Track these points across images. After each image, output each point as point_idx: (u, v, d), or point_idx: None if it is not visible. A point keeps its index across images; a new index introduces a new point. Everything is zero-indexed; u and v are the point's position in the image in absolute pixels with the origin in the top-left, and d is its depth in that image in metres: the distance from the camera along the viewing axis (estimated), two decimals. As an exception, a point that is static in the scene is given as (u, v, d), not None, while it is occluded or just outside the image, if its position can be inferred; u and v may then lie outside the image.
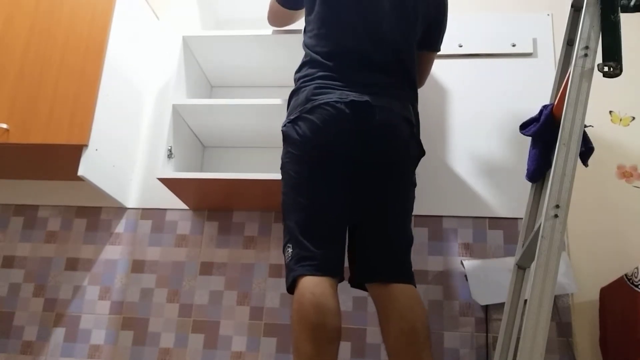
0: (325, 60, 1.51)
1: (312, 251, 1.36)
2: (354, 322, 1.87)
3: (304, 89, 1.51)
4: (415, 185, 1.54)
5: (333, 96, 1.44)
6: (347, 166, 1.45)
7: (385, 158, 1.46)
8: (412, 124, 1.51)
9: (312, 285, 1.32)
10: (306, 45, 1.59)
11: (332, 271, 1.37)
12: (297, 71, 1.59)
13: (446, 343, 1.79)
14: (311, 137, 1.43)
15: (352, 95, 1.43)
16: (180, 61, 1.97)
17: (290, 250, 1.39)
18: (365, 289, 1.46)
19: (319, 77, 1.49)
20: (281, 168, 1.50)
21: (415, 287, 1.42)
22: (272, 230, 2.03)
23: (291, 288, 1.36)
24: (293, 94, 1.55)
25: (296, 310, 1.30)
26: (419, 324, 1.33)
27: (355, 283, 1.47)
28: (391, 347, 1.33)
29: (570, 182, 1.13)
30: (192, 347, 1.92)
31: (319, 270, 1.34)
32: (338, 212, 1.43)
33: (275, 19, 1.89)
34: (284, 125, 1.51)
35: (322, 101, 1.44)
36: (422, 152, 1.57)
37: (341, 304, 1.87)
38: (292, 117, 1.48)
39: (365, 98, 1.43)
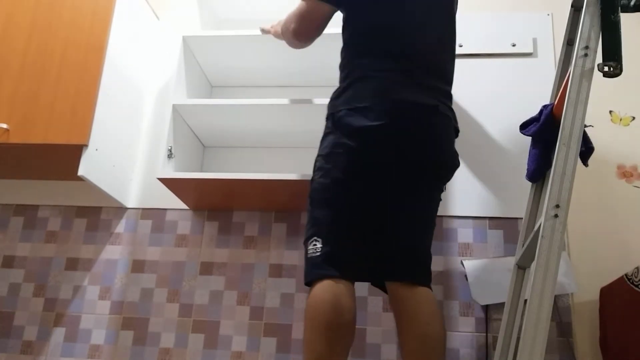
0: (395, 55, 1.46)
1: (343, 253, 1.34)
2: (354, 322, 1.87)
3: (372, 78, 1.44)
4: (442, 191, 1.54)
5: (406, 95, 1.41)
6: (400, 169, 1.42)
7: (437, 165, 1.46)
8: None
9: (334, 284, 1.30)
10: (368, 35, 1.51)
11: (357, 274, 1.36)
12: (355, 56, 1.50)
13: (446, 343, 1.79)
14: (377, 132, 1.38)
15: (423, 99, 1.42)
16: (180, 61, 1.97)
17: (318, 245, 1.34)
18: (384, 289, 1.44)
19: (389, 71, 1.44)
20: (324, 155, 1.43)
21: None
22: (272, 230, 2.03)
23: (311, 282, 1.34)
24: (356, 80, 1.45)
25: (313, 306, 1.29)
26: (442, 331, 1.35)
27: (376, 282, 1.47)
28: (412, 350, 1.32)
29: (570, 182, 1.13)
30: (192, 347, 1.92)
31: (346, 273, 1.32)
32: (378, 214, 1.41)
33: (307, 30, 1.61)
34: (341, 111, 1.43)
35: (395, 98, 1.40)
36: (458, 164, 1.55)
37: (341, 304, 1.88)
38: (358, 105, 1.41)
39: (434, 102, 1.43)
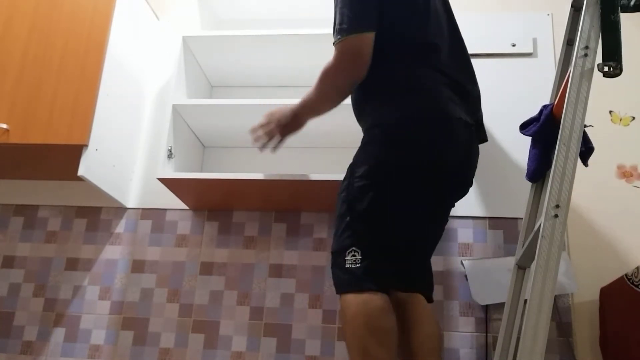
0: (445, 68, 1.48)
1: (383, 268, 1.37)
2: (354, 322, 1.87)
3: (426, 90, 1.43)
4: None
5: (461, 113, 1.44)
6: (445, 187, 1.47)
7: (468, 184, 1.54)
8: None
9: (378, 296, 1.35)
10: (415, 45, 1.48)
11: (391, 287, 1.40)
12: (397, 60, 1.45)
13: (446, 343, 1.79)
14: (440, 150, 1.40)
15: (471, 117, 1.48)
16: (180, 61, 1.97)
17: (358, 257, 1.36)
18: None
19: (443, 85, 1.45)
20: (372, 166, 1.40)
21: None
22: (272, 230, 2.03)
23: (348, 291, 1.36)
24: (409, 92, 1.42)
25: (367, 315, 1.32)
26: (439, 331, 1.49)
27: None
28: (419, 348, 1.41)
29: (570, 182, 1.13)
30: (192, 347, 1.92)
31: (383, 287, 1.36)
32: (419, 230, 1.46)
33: (363, 65, 1.44)
34: (394, 122, 1.40)
35: (450, 115, 1.42)
36: None
37: (339, 304, 1.88)
38: (413, 118, 1.40)
39: (478, 120, 1.53)
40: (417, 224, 1.44)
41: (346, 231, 1.39)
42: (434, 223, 1.53)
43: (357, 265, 1.35)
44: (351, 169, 1.46)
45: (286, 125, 1.55)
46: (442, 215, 1.55)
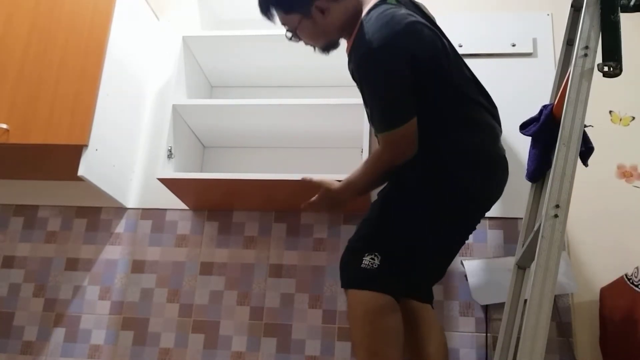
0: (482, 99, 1.57)
1: (402, 280, 1.42)
2: (354, 322, 1.87)
3: (476, 127, 1.50)
4: None
5: (501, 149, 1.56)
6: (481, 214, 1.59)
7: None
8: None
9: (389, 297, 1.40)
10: (464, 94, 1.52)
11: (402, 295, 1.45)
12: (451, 106, 1.49)
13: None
14: (490, 188, 1.51)
15: (504, 150, 1.58)
16: (180, 61, 1.97)
17: (376, 261, 1.40)
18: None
19: (488, 121, 1.55)
20: (427, 190, 1.45)
21: None
22: (272, 230, 2.03)
23: (359, 288, 1.40)
24: (462, 126, 1.48)
25: (378, 313, 1.36)
26: (445, 338, 1.56)
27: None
28: (432, 354, 1.48)
29: (570, 182, 1.13)
30: (192, 347, 1.92)
31: (399, 295, 1.42)
32: (452, 254, 1.57)
33: (411, 147, 1.46)
34: (450, 153, 1.45)
35: (496, 151, 1.54)
36: None
37: (340, 304, 1.89)
38: (469, 151, 1.46)
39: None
40: (445, 249, 1.53)
41: (374, 236, 1.44)
42: (458, 245, 1.59)
43: (374, 268, 1.39)
44: (400, 179, 1.48)
45: (336, 206, 1.64)
46: (466, 237, 1.60)
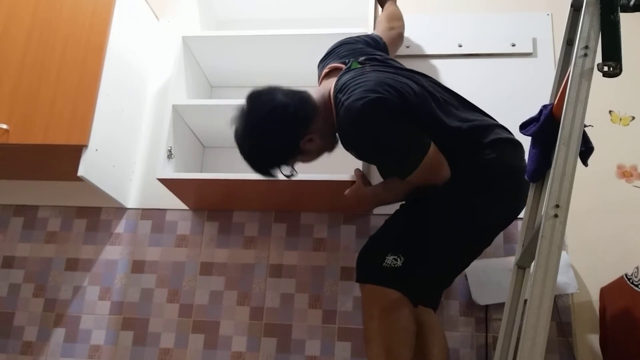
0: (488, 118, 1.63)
1: (420, 284, 1.45)
2: (354, 322, 1.87)
3: (510, 145, 1.55)
4: None
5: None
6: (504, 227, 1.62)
7: None
8: None
9: (405, 298, 1.42)
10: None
11: (419, 300, 1.49)
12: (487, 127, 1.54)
13: (446, 343, 1.79)
14: (520, 201, 1.49)
15: None
16: (180, 61, 1.97)
17: (399, 264, 1.42)
18: None
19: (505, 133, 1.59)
20: (466, 203, 1.46)
21: None
22: (272, 230, 2.03)
23: (374, 283, 1.43)
24: (503, 144, 1.51)
25: (396, 312, 1.39)
26: (446, 341, 1.60)
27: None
28: (436, 355, 1.51)
29: (570, 182, 1.13)
30: (192, 347, 1.92)
31: (415, 297, 1.45)
32: (463, 263, 1.60)
33: (444, 171, 1.48)
34: (502, 174, 1.48)
35: (523, 164, 1.54)
36: None
37: (340, 304, 1.89)
38: (514, 170, 1.48)
39: None
40: (467, 260, 1.57)
41: (403, 239, 1.46)
42: (475, 257, 1.60)
43: (395, 268, 1.42)
44: (441, 194, 1.48)
45: (364, 206, 1.70)
46: (484, 249, 1.62)
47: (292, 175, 1.55)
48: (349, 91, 1.40)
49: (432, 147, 1.42)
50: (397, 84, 1.42)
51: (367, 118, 1.37)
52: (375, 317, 1.39)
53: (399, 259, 1.42)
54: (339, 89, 1.45)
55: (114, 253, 2.07)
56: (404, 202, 1.59)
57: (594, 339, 1.72)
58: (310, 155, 1.56)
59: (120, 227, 2.10)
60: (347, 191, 1.61)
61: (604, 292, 1.69)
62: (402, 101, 1.40)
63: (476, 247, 1.56)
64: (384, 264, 1.42)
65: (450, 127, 1.47)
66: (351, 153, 1.54)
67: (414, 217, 1.50)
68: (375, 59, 1.57)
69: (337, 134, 1.55)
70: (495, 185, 1.48)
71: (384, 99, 1.37)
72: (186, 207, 2.09)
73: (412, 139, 1.42)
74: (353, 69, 1.49)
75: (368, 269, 1.47)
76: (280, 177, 1.54)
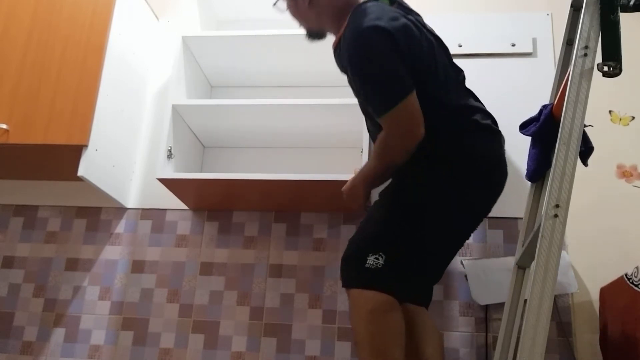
0: (475, 102, 1.62)
1: (406, 280, 1.43)
2: (354, 322, 1.87)
3: (482, 132, 1.53)
4: None
5: (503, 150, 1.58)
6: (483, 217, 1.61)
7: None
8: None
9: (391, 298, 1.40)
10: (453, 94, 1.55)
11: (404, 297, 1.45)
12: (457, 109, 1.52)
13: (446, 343, 1.79)
14: (497, 185, 1.52)
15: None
16: (179, 61, 1.97)
17: (381, 262, 1.40)
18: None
19: (491, 124, 1.58)
20: (434, 190, 1.45)
21: None
22: (272, 230, 2.03)
23: (359, 286, 1.40)
24: (471, 131, 1.50)
25: (383, 313, 1.37)
26: (442, 339, 1.59)
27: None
28: (430, 355, 1.49)
29: (570, 181, 1.13)
30: (192, 347, 1.92)
31: (402, 296, 1.42)
32: (452, 255, 1.56)
33: (414, 128, 1.42)
34: (462, 156, 1.46)
35: (501, 152, 1.56)
36: None
37: (340, 304, 1.89)
38: (478, 156, 1.48)
39: None
40: (448, 249, 1.55)
41: (379, 237, 1.44)
42: (458, 248, 1.59)
43: (378, 268, 1.39)
44: (404, 182, 1.48)
45: (358, 201, 1.58)
46: (466, 239, 1.61)
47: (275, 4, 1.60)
48: (364, 13, 1.41)
49: (414, 97, 1.39)
50: (410, 31, 1.43)
51: (367, 42, 1.38)
52: (363, 321, 1.37)
53: (380, 258, 1.40)
54: (359, 6, 1.47)
55: (114, 253, 2.07)
56: (375, 200, 1.56)
57: (594, 339, 1.72)
58: (293, 9, 1.60)
59: (120, 227, 2.10)
60: (343, 187, 1.60)
61: (604, 292, 1.69)
62: (407, 46, 1.40)
63: (449, 231, 1.50)
64: (366, 265, 1.40)
65: (444, 103, 1.48)
66: (346, 74, 1.53)
67: (385, 210, 1.48)
68: (406, 7, 1.57)
69: (324, 34, 1.61)
70: (470, 169, 1.47)
71: (390, 32, 1.37)
72: (186, 207, 2.09)
73: (398, 77, 1.39)
74: (381, 3, 1.49)
75: (351, 273, 1.44)
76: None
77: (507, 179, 1.58)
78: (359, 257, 1.42)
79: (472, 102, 1.57)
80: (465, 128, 1.49)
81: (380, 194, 1.54)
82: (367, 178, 1.53)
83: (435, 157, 1.46)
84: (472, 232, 1.61)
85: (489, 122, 1.55)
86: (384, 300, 1.37)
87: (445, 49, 1.60)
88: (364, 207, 1.60)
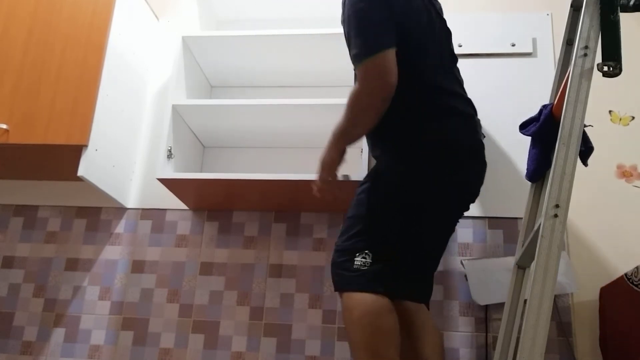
0: (457, 87, 1.60)
1: (392, 274, 1.40)
2: (354, 322, 1.87)
3: (455, 115, 1.50)
4: None
5: (478, 136, 1.55)
6: (462, 202, 1.56)
7: (476, 197, 1.60)
8: None
9: (382, 297, 1.38)
10: (435, 70, 1.53)
11: (398, 294, 1.43)
12: (431, 92, 1.50)
13: (446, 343, 1.79)
14: (468, 172, 1.48)
15: (481, 136, 1.58)
16: (179, 61, 1.97)
17: (368, 260, 1.38)
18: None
19: (464, 106, 1.56)
20: (407, 178, 1.44)
21: None
22: (272, 230, 2.03)
23: (354, 290, 1.38)
24: (442, 114, 1.48)
25: (375, 314, 1.35)
26: (442, 339, 1.56)
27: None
28: (428, 356, 1.46)
29: (570, 181, 1.13)
30: (192, 347, 1.92)
31: (390, 292, 1.39)
32: (432, 242, 1.52)
33: (386, 82, 1.40)
34: (431, 141, 1.45)
35: (479, 138, 1.54)
36: None
37: (340, 304, 1.88)
38: (447, 140, 1.45)
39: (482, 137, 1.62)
40: (432, 238, 1.51)
41: (362, 234, 1.42)
42: (441, 235, 1.57)
43: (366, 268, 1.38)
44: (377, 174, 1.48)
45: (330, 164, 1.52)
46: (450, 227, 1.58)
47: None
48: None
49: (392, 55, 1.38)
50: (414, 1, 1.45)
51: None
52: (356, 324, 1.35)
53: (367, 257, 1.38)
54: None
55: (114, 253, 2.07)
56: (352, 200, 1.52)
57: (594, 339, 1.72)
58: None
59: (120, 227, 2.10)
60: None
61: (604, 292, 1.69)
62: (403, 6, 1.42)
63: (428, 220, 1.46)
64: (354, 266, 1.39)
65: (424, 79, 1.48)
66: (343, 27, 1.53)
67: (362, 206, 1.46)
68: None
69: None
70: (436, 157, 1.44)
71: None
72: (186, 207, 2.09)
73: (383, 29, 1.40)
74: None
75: (341, 277, 1.43)
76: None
77: (486, 167, 1.57)
78: (346, 259, 1.41)
79: (457, 88, 1.55)
80: (439, 111, 1.47)
81: (357, 191, 1.51)
82: (336, 134, 1.49)
83: (407, 144, 1.45)
84: (456, 218, 1.57)
85: (467, 109, 1.53)
86: (374, 302, 1.35)
87: (448, 31, 1.60)
88: (336, 174, 1.54)
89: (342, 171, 1.58)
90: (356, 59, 1.42)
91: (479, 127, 1.56)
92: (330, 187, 1.53)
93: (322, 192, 1.54)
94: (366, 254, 1.39)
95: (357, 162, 1.75)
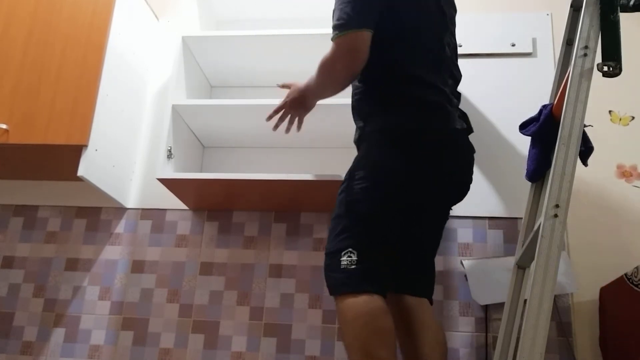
0: (438, 77, 1.56)
1: (379, 270, 1.38)
2: (354, 322, 1.87)
3: (430, 102, 1.48)
4: None
5: (458, 123, 1.53)
6: (444, 192, 1.54)
7: (466, 187, 1.61)
8: None
9: (375, 297, 1.36)
10: (422, 53, 1.53)
11: (387, 289, 1.42)
12: (405, 69, 1.50)
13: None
14: (443, 158, 1.47)
15: (463, 123, 1.57)
16: (179, 61, 1.97)
17: (354, 258, 1.37)
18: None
19: (445, 93, 1.54)
20: (378, 169, 1.44)
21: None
22: (272, 230, 2.03)
23: (345, 292, 1.37)
24: (416, 101, 1.47)
25: (368, 315, 1.33)
26: (445, 338, 1.55)
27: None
28: (430, 354, 1.46)
29: (570, 181, 1.13)
30: (192, 347, 1.92)
31: (380, 289, 1.38)
32: (416, 233, 1.52)
33: (360, 60, 1.45)
34: (403, 129, 1.45)
35: (457, 126, 1.51)
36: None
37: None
38: (421, 128, 1.44)
39: (467, 124, 1.62)
40: (415, 227, 1.49)
41: (343, 232, 1.40)
42: (432, 226, 1.55)
43: (353, 267, 1.36)
44: (351, 171, 1.48)
45: (297, 104, 1.62)
46: (440, 217, 1.57)
47: None
48: None
49: (368, 38, 1.42)
50: None
51: None
52: (349, 326, 1.34)
53: (352, 254, 1.36)
54: None
55: (114, 253, 2.07)
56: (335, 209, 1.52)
57: (594, 339, 1.72)
58: None
59: (120, 227, 2.10)
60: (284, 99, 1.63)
61: (604, 292, 1.69)
62: None
63: (406, 214, 1.45)
64: (341, 266, 1.37)
65: (408, 70, 1.48)
66: None
67: (342, 205, 1.45)
68: None
69: None
70: (406, 151, 1.43)
71: None
72: (186, 207, 2.09)
73: (367, 8, 1.43)
74: None
75: (332, 280, 1.41)
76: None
77: (470, 156, 1.56)
78: (334, 260, 1.39)
79: (435, 80, 1.51)
80: (402, 99, 1.47)
81: (338, 192, 1.50)
82: (309, 86, 1.58)
83: (377, 132, 1.47)
84: (440, 209, 1.57)
85: (437, 99, 1.49)
86: (367, 303, 1.34)
87: (446, 23, 1.60)
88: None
89: (341, 171, 1.58)
90: (333, 29, 1.46)
91: (454, 117, 1.52)
92: (285, 116, 1.64)
93: (277, 113, 1.64)
94: (350, 252, 1.37)
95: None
